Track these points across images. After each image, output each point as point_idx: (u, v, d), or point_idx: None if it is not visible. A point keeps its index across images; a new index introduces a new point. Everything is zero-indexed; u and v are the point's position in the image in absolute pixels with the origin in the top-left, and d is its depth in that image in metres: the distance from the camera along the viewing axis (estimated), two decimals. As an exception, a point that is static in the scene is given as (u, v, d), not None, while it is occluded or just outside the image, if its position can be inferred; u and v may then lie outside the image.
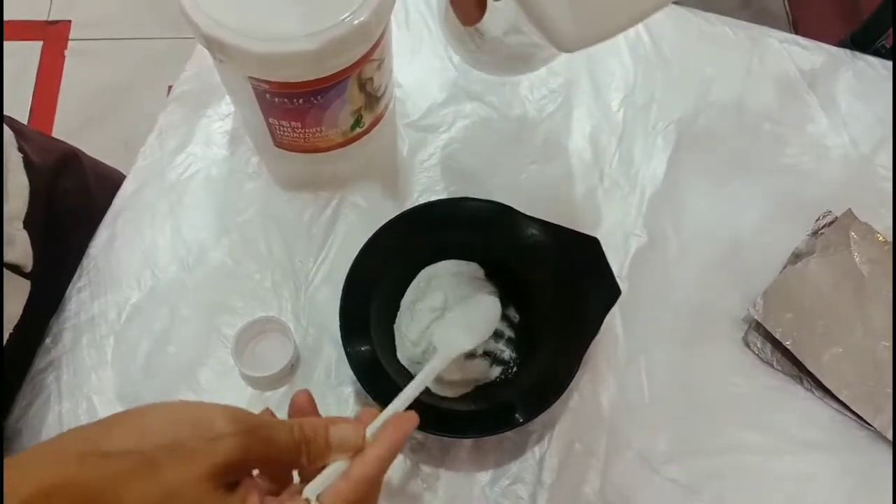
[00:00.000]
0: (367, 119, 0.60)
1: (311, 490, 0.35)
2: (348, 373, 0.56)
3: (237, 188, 0.65)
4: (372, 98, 0.58)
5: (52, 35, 1.68)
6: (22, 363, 0.58)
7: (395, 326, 0.59)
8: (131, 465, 0.30)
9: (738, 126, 0.70)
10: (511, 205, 0.59)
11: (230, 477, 0.33)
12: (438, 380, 0.57)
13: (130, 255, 0.62)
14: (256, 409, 0.37)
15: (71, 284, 0.61)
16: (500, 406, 0.55)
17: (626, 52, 0.72)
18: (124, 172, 0.67)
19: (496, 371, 0.58)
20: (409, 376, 0.57)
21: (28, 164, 0.57)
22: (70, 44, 1.68)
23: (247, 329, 0.57)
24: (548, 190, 0.66)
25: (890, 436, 0.57)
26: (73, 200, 0.65)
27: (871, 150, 0.69)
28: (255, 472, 0.35)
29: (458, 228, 0.60)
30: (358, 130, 0.60)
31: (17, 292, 0.54)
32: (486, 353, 0.59)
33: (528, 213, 0.58)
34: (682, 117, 0.70)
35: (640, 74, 0.71)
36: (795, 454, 0.57)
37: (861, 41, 1.33)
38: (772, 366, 0.60)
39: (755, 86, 0.71)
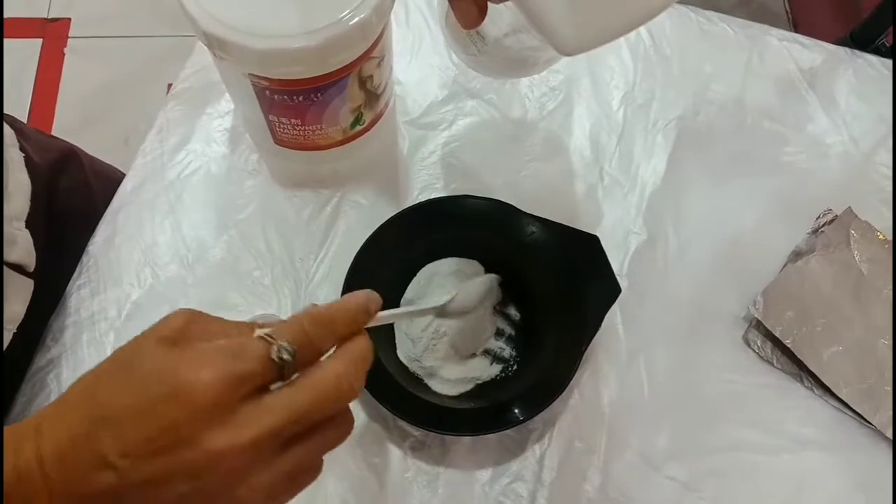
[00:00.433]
0: (368, 117, 0.60)
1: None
2: (348, 371, 0.56)
3: (237, 186, 0.65)
4: (372, 96, 0.58)
5: (52, 33, 1.68)
6: (24, 362, 0.58)
7: (395, 324, 0.59)
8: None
9: (738, 124, 0.70)
10: (511, 202, 0.59)
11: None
12: (439, 378, 0.57)
13: (130, 253, 0.62)
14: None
15: (71, 282, 0.61)
16: (500, 404, 0.55)
17: (627, 51, 0.72)
18: (124, 170, 0.67)
19: (496, 369, 0.58)
20: (409, 374, 0.57)
21: (29, 163, 0.57)
22: (70, 41, 1.68)
23: (247, 327, 0.57)
24: (548, 188, 0.66)
25: (889, 434, 0.57)
26: (73, 199, 0.65)
27: (872, 149, 0.69)
28: None
29: (458, 226, 0.60)
30: (358, 128, 0.60)
31: (21, 292, 0.54)
32: (487, 351, 0.59)
33: (528, 211, 0.58)
34: (683, 115, 0.70)
35: (641, 72, 0.71)
36: (795, 452, 0.57)
37: (861, 39, 1.33)
38: (772, 364, 0.60)
39: (755, 84, 0.71)
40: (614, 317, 0.61)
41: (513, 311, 0.60)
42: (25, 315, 0.54)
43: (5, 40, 1.59)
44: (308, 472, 0.34)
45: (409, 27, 0.72)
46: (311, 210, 0.64)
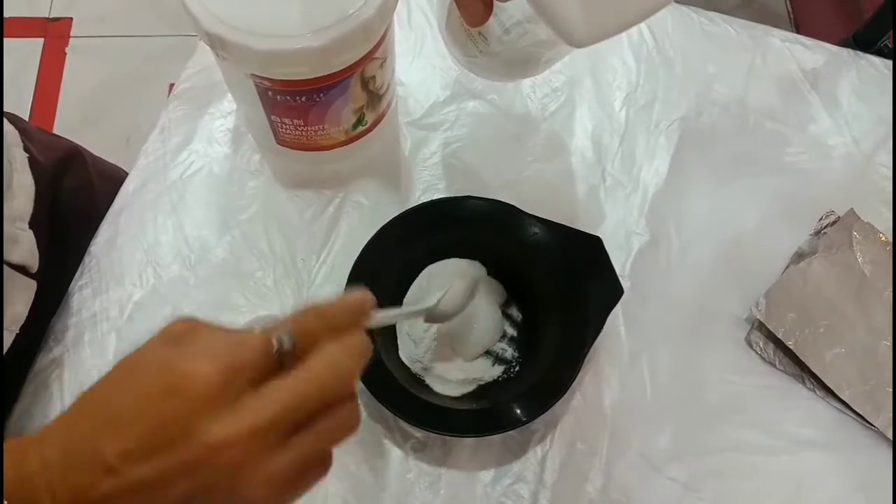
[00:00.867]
0: (370, 117, 0.60)
1: None
2: (350, 371, 0.56)
3: (239, 186, 0.65)
4: (374, 96, 0.58)
5: (53, 32, 1.68)
6: (26, 363, 0.58)
7: (397, 325, 0.59)
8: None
9: (741, 125, 0.70)
10: (513, 203, 0.59)
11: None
12: (441, 378, 0.57)
13: (132, 253, 0.62)
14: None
15: (73, 282, 0.61)
16: (502, 405, 0.55)
17: (629, 51, 0.72)
18: (126, 169, 0.67)
19: (498, 370, 0.58)
20: (411, 375, 0.57)
21: (33, 163, 0.57)
22: (71, 41, 1.68)
23: (248, 327, 0.57)
24: (550, 188, 0.66)
25: (891, 435, 0.57)
26: (77, 198, 0.65)
27: (874, 150, 0.69)
28: None
29: (460, 227, 0.59)
30: (360, 129, 0.60)
31: (23, 293, 0.54)
32: (489, 352, 0.59)
33: (530, 212, 0.58)
34: (685, 116, 0.70)
35: (643, 73, 0.71)
36: (797, 453, 0.57)
37: (863, 40, 1.33)
38: (774, 365, 0.60)
39: (757, 85, 0.71)
40: (616, 318, 0.61)
41: (515, 312, 0.60)
42: (28, 316, 0.54)
43: (6, 40, 1.59)
44: (315, 466, 0.32)
45: (412, 27, 0.72)
46: (313, 210, 0.64)
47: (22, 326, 0.53)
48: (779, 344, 0.60)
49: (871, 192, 0.67)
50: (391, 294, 0.59)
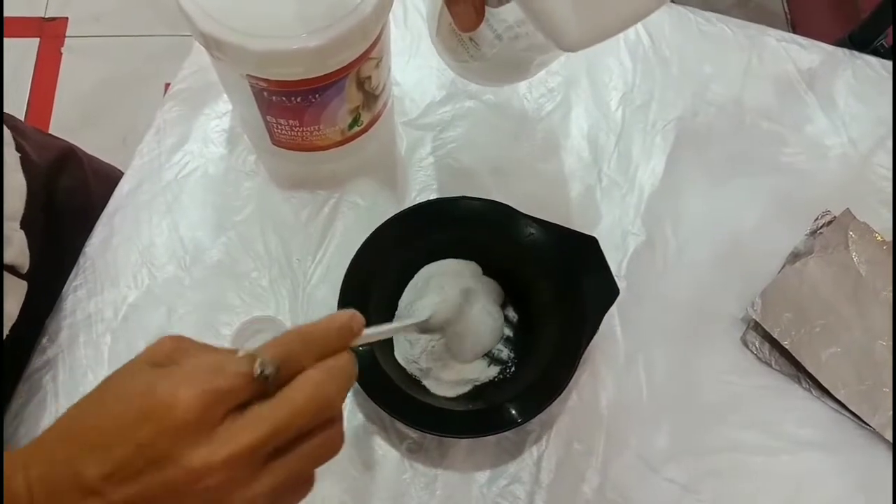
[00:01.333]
0: (366, 118, 0.60)
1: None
2: (346, 372, 0.56)
3: (235, 187, 0.65)
4: (370, 97, 0.58)
5: (49, 32, 1.68)
6: (19, 363, 0.58)
7: (393, 325, 0.59)
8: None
9: (737, 125, 0.70)
10: (509, 204, 0.59)
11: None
12: (436, 379, 0.57)
13: (127, 254, 0.62)
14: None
15: (67, 283, 0.61)
16: (497, 406, 0.55)
17: (625, 51, 0.72)
18: (122, 169, 0.67)
19: (494, 370, 0.58)
20: (406, 376, 0.57)
21: (27, 162, 0.57)
22: (67, 41, 1.67)
23: (244, 328, 0.57)
24: (546, 189, 0.66)
25: (888, 435, 0.57)
26: (72, 198, 0.65)
27: (870, 150, 0.69)
28: None
29: (456, 227, 0.59)
30: (356, 129, 0.60)
31: (14, 293, 0.54)
32: (484, 353, 0.58)
33: (526, 213, 0.58)
34: (681, 116, 0.69)
35: (639, 73, 0.71)
36: (793, 453, 0.57)
37: (860, 40, 1.33)
38: (770, 365, 0.60)
39: (754, 85, 0.71)
40: (613, 318, 0.61)
41: (511, 313, 0.60)
42: (20, 316, 0.54)
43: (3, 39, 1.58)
44: (298, 487, 0.33)
45: (408, 27, 0.72)
46: (308, 211, 0.64)
47: (14, 326, 0.53)
48: (775, 344, 0.60)
49: (868, 192, 0.67)
50: (387, 295, 0.59)
